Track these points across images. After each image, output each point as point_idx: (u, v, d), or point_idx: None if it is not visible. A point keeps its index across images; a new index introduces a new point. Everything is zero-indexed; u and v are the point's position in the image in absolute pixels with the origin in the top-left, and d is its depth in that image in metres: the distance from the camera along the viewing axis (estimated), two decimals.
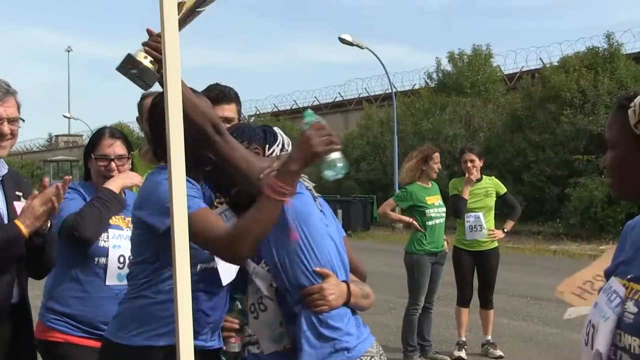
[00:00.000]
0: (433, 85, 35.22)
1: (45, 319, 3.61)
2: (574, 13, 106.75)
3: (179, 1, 2.49)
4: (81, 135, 66.63)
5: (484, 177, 7.94)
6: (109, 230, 3.55)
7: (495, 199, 7.95)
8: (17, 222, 2.98)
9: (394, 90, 30.79)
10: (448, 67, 34.91)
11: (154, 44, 2.57)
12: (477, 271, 7.92)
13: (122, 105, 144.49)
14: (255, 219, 2.58)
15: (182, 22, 2.54)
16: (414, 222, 7.59)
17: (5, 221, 3.11)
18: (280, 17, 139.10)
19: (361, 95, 42.30)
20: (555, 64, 29.06)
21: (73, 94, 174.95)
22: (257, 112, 47.45)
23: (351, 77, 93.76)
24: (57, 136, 73.65)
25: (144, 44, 2.63)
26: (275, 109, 47.78)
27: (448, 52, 34.68)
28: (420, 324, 7.66)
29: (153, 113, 2.86)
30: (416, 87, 38.17)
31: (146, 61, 2.61)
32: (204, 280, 2.81)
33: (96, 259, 3.54)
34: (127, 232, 3.49)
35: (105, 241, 3.54)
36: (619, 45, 27.10)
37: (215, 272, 2.83)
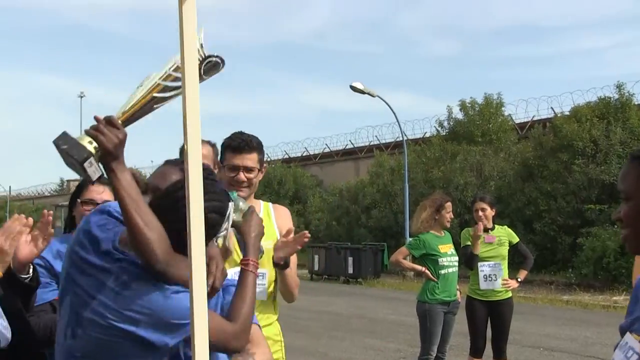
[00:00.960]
0: (444, 134, 35.34)
1: None
2: (585, 63, 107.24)
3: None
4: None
5: (497, 226, 7.89)
6: None
7: (508, 248, 7.90)
8: None
9: (405, 138, 30.87)
10: (459, 116, 35.07)
11: (104, 131, 2.31)
12: (490, 321, 7.82)
13: (134, 150, 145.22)
14: (248, 299, 2.57)
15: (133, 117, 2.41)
16: (427, 270, 7.53)
17: None
18: (290, 65, 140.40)
19: (372, 143, 42.45)
20: (567, 113, 29.15)
21: None
22: (268, 159, 47.60)
23: (362, 125, 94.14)
24: (69, 181, 74.01)
25: (90, 129, 2.35)
26: (286, 156, 47.96)
27: (459, 100, 34.91)
28: None
29: None
30: (427, 135, 38.30)
31: (90, 145, 2.34)
32: None
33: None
34: None
35: None
36: (630, 96, 27.19)
37: None
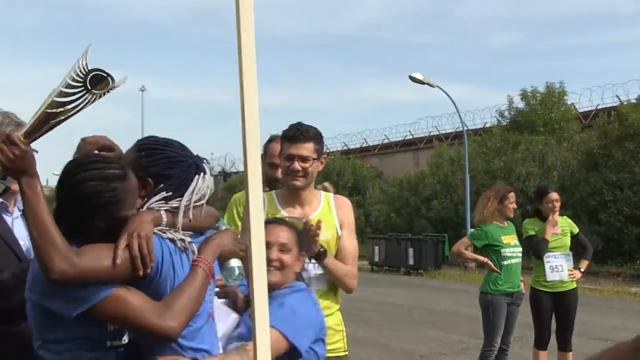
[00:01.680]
0: (505, 124, 34.90)
1: None
2: None
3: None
4: None
5: (559, 217, 7.78)
6: None
7: (570, 238, 7.78)
8: None
9: (465, 128, 30.55)
10: (520, 105, 34.58)
11: (3, 149, 2.36)
12: (555, 313, 7.71)
13: (193, 143, 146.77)
14: (186, 291, 2.50)
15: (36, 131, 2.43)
16: (489, 261, 7.43)
17: (30, 257, 2.92)
18: (347, 57, 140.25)
19: (431, 134, 42.16)
20: (633, 101, 28.48)
21: (147, 133, 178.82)
22: (328, 150, 47.66)
23: (421, 116, 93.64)
24: None
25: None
26: (345, 148, 47.96)
27: (521, 89, 34.42)
28: None
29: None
30: (488, 125, 37.86)
31: None
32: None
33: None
34: None
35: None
36: None
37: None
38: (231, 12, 2.28)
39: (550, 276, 7.58)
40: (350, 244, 3.96)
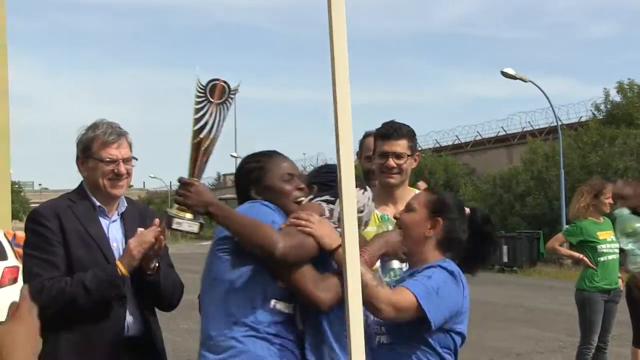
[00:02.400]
0: (601, 117, 34.06)
1: None
2: None
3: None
4: None
5: None
6: None
7: None
8: (117, 262, 3.22)
9: (559, 123, 29.97)
10: (617, 98, 33.68)
11: (182, 193, 2.78)
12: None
13: (286, 144, 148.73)
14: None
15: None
16: (585, 258, 7.34)
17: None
18: (438, 53, 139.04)
19: (525, 129, 41.45)
20: None
21: (240, 134, 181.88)
22: (419, 148, 47.30)
23: (513, 111, 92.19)
24: (224, 175, 76.53)
25: (176, 195, 2.83)
26: (437, 145, 47.62)
27: (617, 82, 33.52)
28: None
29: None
30: (583, 119, 37.01)
31: (174, 210, 2.85)
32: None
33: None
34: None
35: None
36: None
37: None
38: (321, 12, 2.40)
39: None
40: None
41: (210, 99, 2.83)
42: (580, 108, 40.39)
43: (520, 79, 27.39)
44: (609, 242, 7.34)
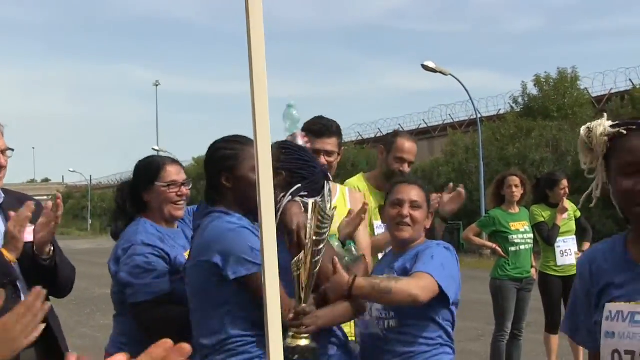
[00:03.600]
0: (519, 110, 34.82)
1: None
2: None
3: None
4: None
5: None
6: None
7: (575, 222, 7.91)
8: (1, 249, 3.13)
9: (479, 115, 30.53)
10: (534, 91, 34.48)
11: (298, 324, 2.77)
12: (565, 296, 7.78)
13: (208, 137, 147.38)
14: None
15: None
16: (497, 247, 7.54)
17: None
18: (364, 47, 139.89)
19: (445, 122, 42.12)
20: None
21: (161, 128, 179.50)
22: (342, 141, 47.69)
23: (435, 104, 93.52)
24: None
25: (290, 327, 2.79)
26: (360, 137, 47.94)
27: (534, 75, 34.30)
28: (510, 352, 7.55)
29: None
30: (501, 112, 37.78)
31: (302, 341, 2.80)
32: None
33: None
34: None
35: None
36: None
37: None
38: (241, 5, 2.40)
39: (561, 260, 7.67)
40: (365, 238, 4.07)
41: (330, 217, 2.83)
42: (499, 101, 41.34)
43: (440, 72, 27.74)
44: (521, 233, 7.52)
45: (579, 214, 8.00)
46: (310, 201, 2.85)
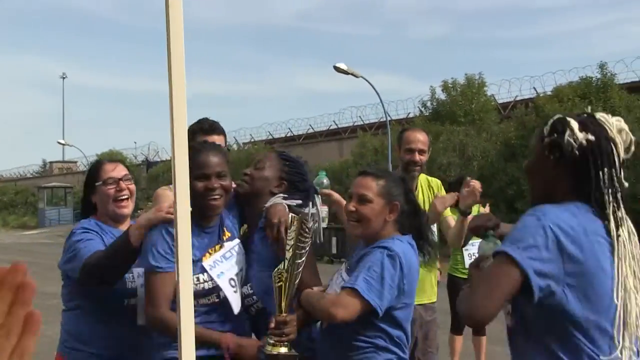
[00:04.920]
0: (427, 114, 35.38)
1: (70, 356, 3.55)
2: (567, 43, 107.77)
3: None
4: (75, 162, 66.52)
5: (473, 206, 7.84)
6: (134, 269, 3.46)
7: None
8: None
9: (389, 118, 30.91)
10: (442, 96, 35.10)
11: (279, 332, 3.01)
12: None
13: (116, 132, 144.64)
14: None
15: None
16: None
17: None
18: (276, 47, 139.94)
19: (356, 124, 42.45)
20: (549, 93, 29.30)
21: (67, 121, 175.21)
22: (252, 140, 47.55)
23: (346, 106, 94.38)
24: (51, 162, 73.56)
25: (270, 335, 3.04)
26: (270, 137, 47.88)
27: (442, 80, 34.92)
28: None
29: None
30: (410, 115, 38.30)
31: (282, 349, 3.01)
32: (213, 312, 3.22)
33: (125, 301, 3.51)
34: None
35: (132, 282, 3.50)
36: (612, 75, 27.36)
37: (222, 304, 3.23)
38: (160, 2, 2.37)
39: (468, 263, 7.79)
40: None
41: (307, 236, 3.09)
42: (408, 104, 41.89)
43: (352, 74, 27.96)
44: None
45: None
46: (293, 215, 3.05)
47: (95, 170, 3.70)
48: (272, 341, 3.00)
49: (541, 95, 30.25)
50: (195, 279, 3.16)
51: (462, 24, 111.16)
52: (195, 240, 3.14)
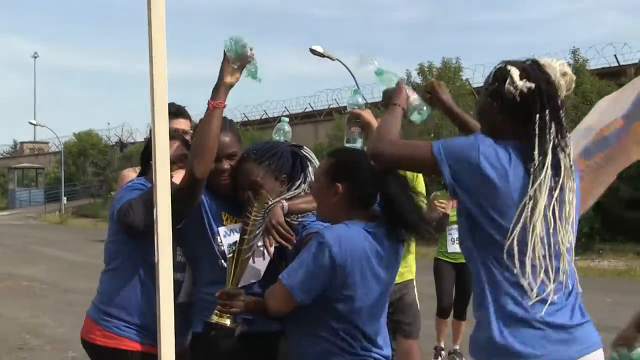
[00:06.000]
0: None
1: (108, 324, 3.40)
2: (541, 29, 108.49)
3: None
4: (47, 143, 65.93)
5: None
6: (220, 230, 3.41)
7: None
8: None
9: (364, 101, 30.82)
10: (418, 80, 35.13)
11: (221, 303, 3.01)
12: (456, 284, 8.00)
13: (90, 113, 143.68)
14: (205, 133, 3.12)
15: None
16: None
17: None
18: (252, 28, 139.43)
19: (331, 106, 42.39)
20: None
21: (39, 101, 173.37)
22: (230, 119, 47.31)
23: (322, 89, 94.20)
24: (22, 143, 72.87)
25: (218, 305, 3.05)
26: (245, 119, 47.71)
27: (418, 64, 34.94)
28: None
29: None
30: None
31: (226, 320, 3.04)
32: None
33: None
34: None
35: (180, 256, 3.43)
36: (585, 61, 27.54)
37: None
38: None
39: (451, 247, 7.84)
40: None
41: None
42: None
43: (328, 57, 27.94)
44: None
45: None
46: (262, 192, 3.06)
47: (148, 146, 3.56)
48: (217, 311, 3.03)
49: None
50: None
51: (442, 9, 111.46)
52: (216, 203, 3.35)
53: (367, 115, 3.36)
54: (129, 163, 46.33)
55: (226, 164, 3.32)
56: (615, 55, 30.70)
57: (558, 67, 2.63)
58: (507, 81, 2.61)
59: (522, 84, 2.58)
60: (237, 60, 3.14)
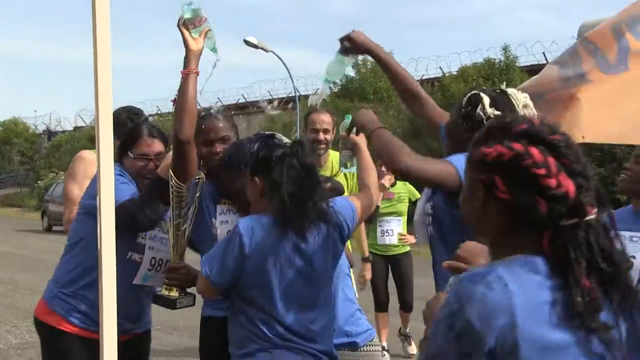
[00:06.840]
0: (337, 90, 35.53)
1: (57, 305, 3.45)
2: (473, 26, 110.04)
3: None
4: None
5: (398, 182, 7.65)
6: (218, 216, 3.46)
7: (408, 204, 7.93)
8: None
9: (298, 94, 30.93)
10: (351, 73, 35.29)
11: (175, 277, 3.30)
12: (392, 276, 7.99)
13: (14, 100, 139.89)
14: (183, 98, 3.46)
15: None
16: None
17: None
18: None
19: (265, 98, 42.24)
20: (454, 73, 29.85)
21: None
22: (159, 112, 46.78)
23: (255, 80, 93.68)
24: None
25: (167, 278, 3.35)
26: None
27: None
28: None
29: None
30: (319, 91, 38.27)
31: (173, 292, 3.31)
32: None
33: (129, 254, 3.43)
34: (164, 235, 3.51)
35: (143, 237, 3.48)
36: (515, 58, 28.11)
37: None
38: None
39: (381, 240, 7.85)
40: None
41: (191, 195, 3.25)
42: (318, 81, 41.81)
43: (262, 48, 27.85)
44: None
45: (417, 195, 7.76)
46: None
47: (133, 136, 3.65)
48: (165, 285, 3.33)
49: (447, 75, 30.80)
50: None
51: (375, 3, 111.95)
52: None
53: (355, 137, 3.58)
54: (58, 151, 45.33)
55: (219, 147, 3.47)
56: (544, 53, 31.39)
57: (521, 99, 3.04)
58: (479, 107, 3.01)
59: (491, 111, 2.97)
60: (194, 20, 3.31)
